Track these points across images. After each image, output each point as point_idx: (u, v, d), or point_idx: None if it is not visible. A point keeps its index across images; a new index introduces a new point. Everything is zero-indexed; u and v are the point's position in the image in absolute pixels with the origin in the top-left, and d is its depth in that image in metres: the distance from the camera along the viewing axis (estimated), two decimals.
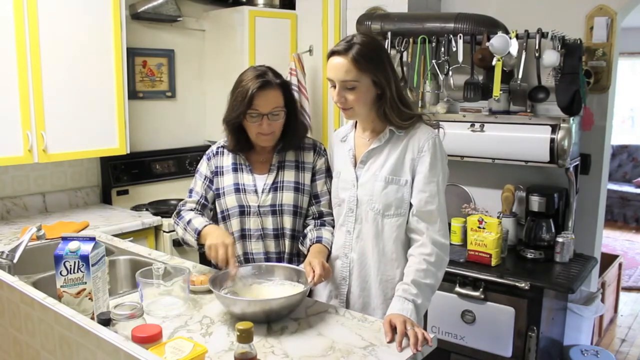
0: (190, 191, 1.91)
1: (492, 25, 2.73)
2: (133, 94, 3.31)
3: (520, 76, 2.65)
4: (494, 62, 2.63)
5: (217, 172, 1.88)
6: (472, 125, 2.71)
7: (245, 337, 1.19)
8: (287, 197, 1.82)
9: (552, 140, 2.49)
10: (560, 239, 2.59)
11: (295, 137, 1.85)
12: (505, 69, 2.66)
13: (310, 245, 1.76)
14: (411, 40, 2.90)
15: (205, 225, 1.74)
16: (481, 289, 2.49)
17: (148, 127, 3.47)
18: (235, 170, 1.86)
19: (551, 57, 2.53)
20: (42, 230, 2.03)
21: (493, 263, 2.54)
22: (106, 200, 3.29)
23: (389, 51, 2.83)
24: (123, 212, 3.09)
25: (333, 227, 1.83)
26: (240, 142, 1.83)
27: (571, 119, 2.50)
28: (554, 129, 2.50)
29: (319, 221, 1.84)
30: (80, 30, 2.80)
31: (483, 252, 2.55)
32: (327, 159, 1.89)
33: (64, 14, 2.73)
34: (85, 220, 2.81)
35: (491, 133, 2.68)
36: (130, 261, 2.16)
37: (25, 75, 2.61)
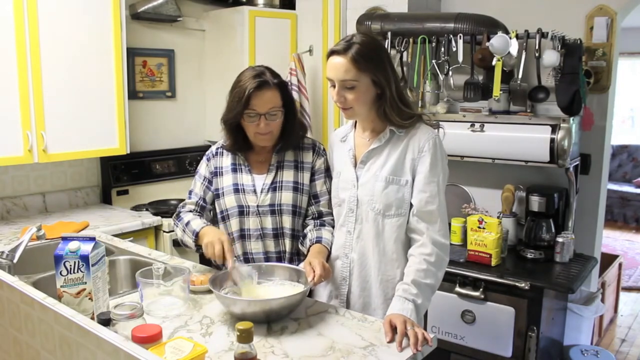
0: (190, 192, 1.92)
1: (492, 25, 2.73)
2: (133, 94, 3.31)
3: (520, 76, 2.65)
4: (494, 62, 2.63)
5: (217, 173, 1.88)
6: (472, 125, 2.71)
7: (245, 337, 1.19)
8: (286, 197, 1.82)
9: (552, 140, 2.49)
10: (560, 239, 2.59)
11: (293, 137, 1.85)
12: (505, 69, 2.66)
13: (310, 246, 1.76)
14: (411, 40, 2.90)
15: (202, 227, 1.76)
16: (481, 289, 2.49)
17: (148, 127, 3.47)
18: (234, 170, 1.86)
19: (551, 57, 2.53)
20: (42, 230, 2.03)
21: (493, 263, 2.54)
22: (106, 200, 3.29)
23: (389, 51, 2.83)
24: (123, 212, 3.09)
25: (333, 227, 1.83)
26: (239, 141, 1.83)
27: (571, 119, 2.51)
28: (554, 129, 2.50)
29: (318, 221, 1.84)
30: (80, 30, 2.80)
31: (483, 252, 2.55)
32: (326, 159, 1.89)
33: (64, 14, 2.73)
34: (85, 220, 2.81)
35: (491, 133, 2.68)
36: (130, 261, 2.16)
37: (25, 75, 2.61)
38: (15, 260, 1.84)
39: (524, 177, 2.83)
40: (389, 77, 1.62)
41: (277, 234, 1.83)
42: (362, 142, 1.75)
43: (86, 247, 1.44)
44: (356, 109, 1.65)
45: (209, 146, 1.98)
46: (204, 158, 1.93)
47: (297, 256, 1.86)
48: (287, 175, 1.84)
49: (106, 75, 2.92)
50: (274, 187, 1.82)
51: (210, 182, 1.89)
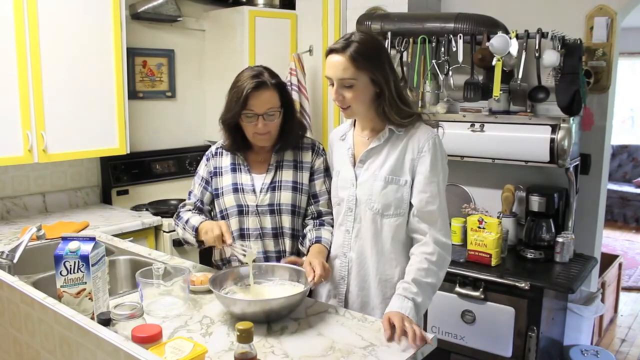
0: (190, 193, 1.94)
1: (492, 25, 2.73)
2: (133, 94, 3.31)
3: (520, 76, 2.65)
4: (494, 62, 2.63)
5: (216, 173, 1.89)
6: (472, 125, 2.71)
7: (245, 337, 1.19)
8: (285, 197, 1.82)
9: (552, 140, 2.49)
10: (560, 239, 2.59)
11: (292, 137, 1.86)
12: (505, 69, 2.66)
13: (310, 246, 1.77)
14: (411, 40, 2.90)
15: (201, 222, 1.78)
16: (481, 289, 2.49)
17: (148, 127, 3.47)
18: (233, 170, 1.87)
19: (551, 57, 2.53)
20: (42, 230, 2.03)
21: (493, 263, 2.54)
22: (106, 200, 3.29)
23: (389, 51, 2.82)
24: (123, 212, 3.09)
25: (332, 226, 1.83)
26: (237, 141, 1.84)
27: (571, 119, 2.50)
28: (554, 129, 2.50)
29: (317, 221, 1.85)
30: (80, 30, 2.80)
31: (483, 252, 2.55)
32: (325, 158, 1.89)
33: (64, 14, 2.73)
34: (85, 220, 2.81)
35: (491, 133, 2.68)
36: (130, 261, 2.16)
37: (25, 75, 2.61)
38: (15, 260, 1.84)
39: (524, 177, 2.83)
40: (387, 75, 1.62)
41: (277, 234, 1.83)
42: (361, 141, 1.75)
43: (86, 247, 1.44)
44: (355, 108, 1.65)
45: (209, 146, 1.98)
46: (204, 158, 1.94)
47: (298, 256, 1.85)
48: (286, 175, 1.84)
49: (106, 75, 2.92)
50: (273, 187, 1.83)
51: (207, 183, 1.90)
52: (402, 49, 2.91)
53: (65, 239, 1.47)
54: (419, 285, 1.56)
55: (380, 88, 1.63)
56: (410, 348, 1.39)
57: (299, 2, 3.57)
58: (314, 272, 1.60)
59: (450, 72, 2.81)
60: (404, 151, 1.66)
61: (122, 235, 2.65)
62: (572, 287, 2.35)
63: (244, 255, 1.67)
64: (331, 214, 1.84)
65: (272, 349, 1.39)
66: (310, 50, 3.50)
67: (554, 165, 2.52)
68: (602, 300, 3.16)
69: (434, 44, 2.84)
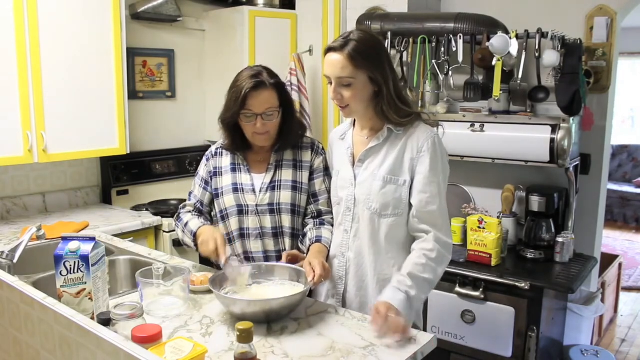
0: (190, 194, 1.95)
1: (492, 25, 2.73)
2: (133, 94, 3.31)
3: (520, 76, 2.65)
4: (494, 62, 2.63)
5: (216, 173, 1.89)
6: (472, 125, 2.71)
7: (245, 337, 1.19)
8: (285, 196, 1.82)
9: (552, 140, 2.49)
10: (560, 239, 2.59)
11: (292, 137, 1.86)
12: (505, 69, 2.66)
13: (310, 245, 1.76)
14: (411, 40, 2.90)
15: (199, 227, 1.78)
16: (481, 289, 2.49)
17: (148, 127, 3.47)
18: (233, 170, 1.87)
19: (551, 57, 2.53)
20: (42, 230, 2.03)
21: (493, 263, 2.54)
22: (106, 200, 3.29)
23: (388, 50, 2.82)
24: (123, 212, 3.09)
25: (332, 225, 1.82)
26: (237, 141, 1.84)
27: (571, 119, 2.50)
28: (554, 129, 2.50)
29: (318, 220, 1.85)
30: (80, 30, 2.80)
31: (483, 252, 2.55)
32: (325, 157, 1.89)
33: (64, 14, 2.73)
34: (85, 220, 2.81)
35: (491, 133, 2.68)
36: (130, 261, 2.16)
37: (25, 75, 2.61)
38: (15, 260, 1.84)
39: (524, 177, 2.83)
40: (386, 74, 1.61)
41: (277, 233, 1.83)
42: (361, 141, 1.74)
43: (86, 247, 1.44)
44: (353, 107, 1.65)
45: (209, 146, 1.98)
46: (204, 158, 1.94)
47: None
48: (286, 175, 1.84)
49: (106, 75, 2.92)
50: (272, 187, 1.83)
51: (207, 184, 1.90)
52: (402, 49, 2.91)
53: (65, 239, 1.47)
54: (414, 279, 1.55)
55: (378, 87, 1.62)
56: (410, 348, 1.38)
57: (299, 2, 3.57)
58: (314, 272, 1.60)
59: (450, 72, 2.81)
60: (403, 151, 1.66)
61: (122, 235, 2.65)
62: (572, 287, 2.35)
63: (234, 278, 1.66)
64: (331, 213, 1.84)
65: (272, 349, 1.39)
66: (310, 50, 3.50)
67: (554, 165, 2.52)
68: (602, 300, 3.16)
69: (434, 44, 2.84)
